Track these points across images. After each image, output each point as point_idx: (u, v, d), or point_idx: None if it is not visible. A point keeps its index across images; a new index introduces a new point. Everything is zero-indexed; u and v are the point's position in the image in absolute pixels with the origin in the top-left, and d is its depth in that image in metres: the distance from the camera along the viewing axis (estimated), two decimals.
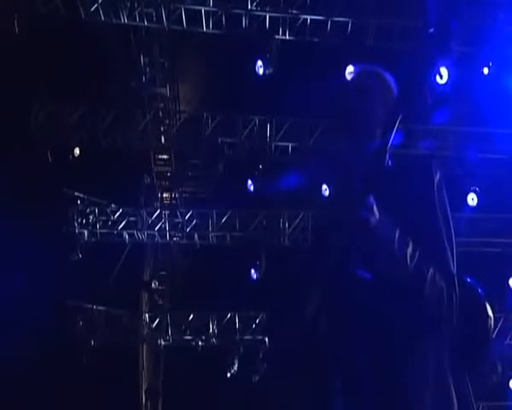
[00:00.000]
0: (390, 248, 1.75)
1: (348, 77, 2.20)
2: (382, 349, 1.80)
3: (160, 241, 10.82)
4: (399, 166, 1.96)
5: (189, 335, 11.19)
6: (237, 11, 8.23)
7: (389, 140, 1.78)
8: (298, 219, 10.51)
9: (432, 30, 1.75)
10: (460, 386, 1.86)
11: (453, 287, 1.82)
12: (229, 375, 10.68)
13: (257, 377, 10.42)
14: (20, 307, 8.69)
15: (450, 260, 1.87)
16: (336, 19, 8.18)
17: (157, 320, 11.29)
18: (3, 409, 8.44)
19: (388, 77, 2.13)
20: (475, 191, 9.70)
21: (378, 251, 1.77)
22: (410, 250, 1.76)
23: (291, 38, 8.43)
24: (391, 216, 1.77)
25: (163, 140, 10.09)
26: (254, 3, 8.19)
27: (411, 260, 1.75)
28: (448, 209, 1.91)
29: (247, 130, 10.00)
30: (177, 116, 10.01)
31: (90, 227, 10.37)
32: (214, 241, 10.75)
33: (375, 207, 1.73)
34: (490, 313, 1.94)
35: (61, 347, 9.62)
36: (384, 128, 1.81)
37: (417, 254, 1.77)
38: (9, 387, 8.25)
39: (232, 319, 11.04)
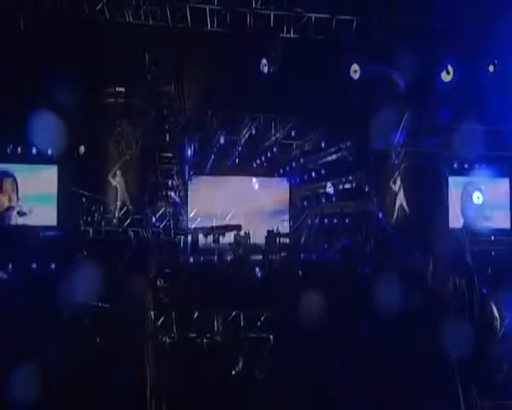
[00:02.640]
0: (403, 247, 1.75)
1: (353, 75, 2.21)
2: (391, 348, 1.80)
3: (164, 238, 10.85)
4: (409, 164, 1.95)
5: (194, 332, 11.20)
6: (242, 9, 8.24)
7: (395, 138, 1.78)
8: (301, 218, 10.53)
9: (438, 27, 1.75)
10: (466, 386, 1.87)
11: (473, 284, 1.82)
12: (233, 372, 10.69)
13: (261, 375, 10.43)
14: (24, 305, 8.71)
15: (468, 257, 1.87)
16: (341, 17, 8.16)
17: (162, 318, 11.31)
18: (8, 408, 8.47)
19: (394, 75, 2.12)
20: (480, 190, 9.68)
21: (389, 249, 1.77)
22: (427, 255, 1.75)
23: (296, 36, 8.42)
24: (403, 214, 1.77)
25: (167, 138, 10.11)
26: (259, 2, 8.19)
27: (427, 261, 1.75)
28: (460, 207, 1.91)
29: (252, 127, 10.02)
30: (182, 114, 10.04)
31: (95, 225, 10.41)
32: (218, 239, 10.79)
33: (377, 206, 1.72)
34: (496, 313, 1.94)
35: (66, 344, 9.64)
36: (390, 126, 1.81)
37: (433, 255, 1.77)
38: (13, 384, 8.27)
39: (237, 316, 11.06)
